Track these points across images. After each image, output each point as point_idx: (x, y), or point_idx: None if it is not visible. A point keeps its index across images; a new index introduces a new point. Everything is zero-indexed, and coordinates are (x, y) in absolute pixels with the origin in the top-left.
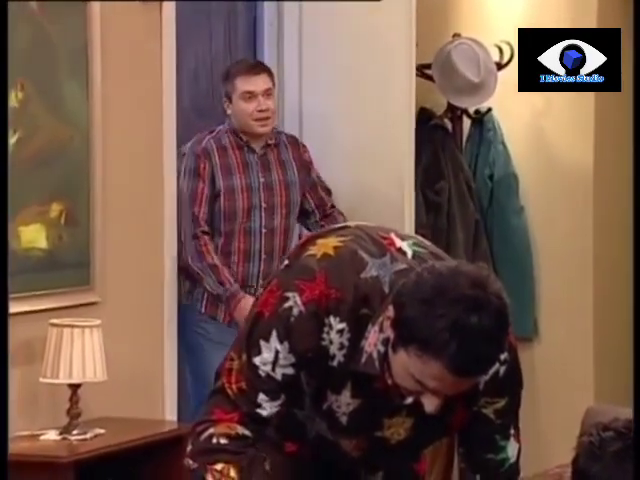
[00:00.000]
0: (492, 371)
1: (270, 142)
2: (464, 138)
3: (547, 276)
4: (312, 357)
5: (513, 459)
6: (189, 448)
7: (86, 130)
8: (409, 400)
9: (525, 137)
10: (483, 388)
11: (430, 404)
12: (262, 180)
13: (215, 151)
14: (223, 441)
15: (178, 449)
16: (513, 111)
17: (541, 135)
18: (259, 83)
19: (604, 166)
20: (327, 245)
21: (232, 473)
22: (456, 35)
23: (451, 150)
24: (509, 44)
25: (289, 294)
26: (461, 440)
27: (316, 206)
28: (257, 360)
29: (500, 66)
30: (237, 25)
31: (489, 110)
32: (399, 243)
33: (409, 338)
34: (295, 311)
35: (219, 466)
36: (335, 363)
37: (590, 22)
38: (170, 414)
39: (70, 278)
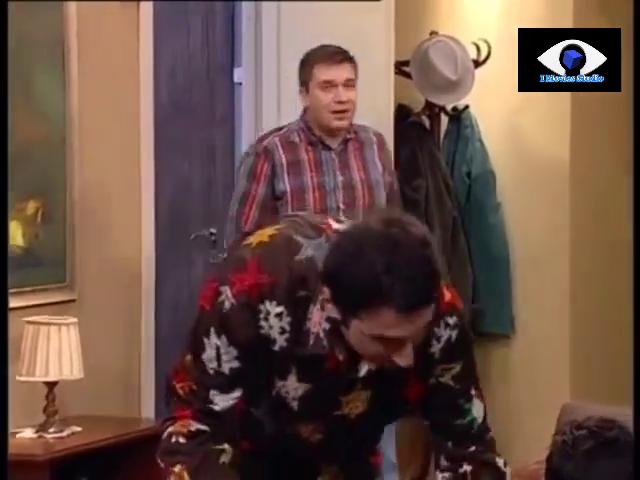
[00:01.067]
0: (444, 337)
1: (349, 137)
2: (442, 135)
3: (524, 273)
4: (253, 347)
5: (480, 419)
6: (159, 446)
7: (63, 127)
8: (363, 372)
9: (502, 134)
10: (439, 356)
11: (401, 358)
12: (341, 179)
13: (280, 148)
14: (181, 440)
15: (155, 447)
16: (490, 108)
17: (518, 132)
18: (340, 72)
19: (580, 162)
20: (263, 234)
21: (186, 476)
22: (433, 33)
23: (429, 147)
24: (486, 42)
25: (222, 288)
26: (425, 413)
27: None
28: (203, 357)
29: (477, 64)
30: (215, 23)
31: (466, 107)
32: (336, 226)
33: (355, 305)
34: (227, 305)
35: (177, 468)
36: (277, 347)
37: (567, 20)
38: (147, 412)
39: (46, 276)
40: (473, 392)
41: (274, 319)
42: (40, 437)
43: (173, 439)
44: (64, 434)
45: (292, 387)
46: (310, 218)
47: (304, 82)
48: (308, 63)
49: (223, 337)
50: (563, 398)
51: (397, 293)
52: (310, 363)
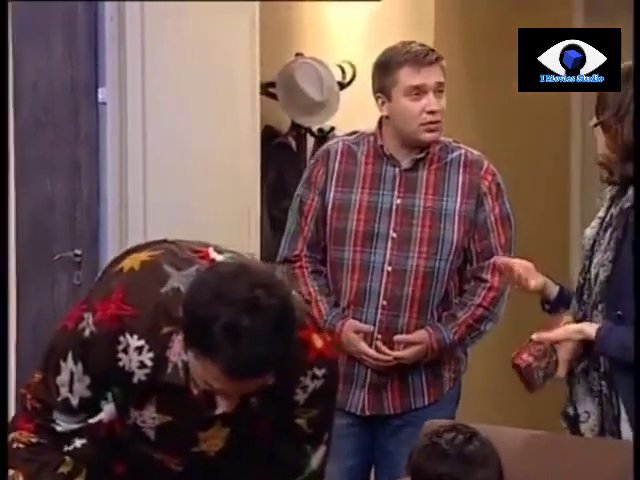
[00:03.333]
0: (310, 388)
1: (419, 156)
2: (308, 156)
3: None
4: (108, 378)
5: (315, 467)
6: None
7: None
8: (219, 410)
9: None
10: (302, 403)
11: (222, 403)
12: (399, 202)
13: (338, 154)
14: (21, 446)
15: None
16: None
17: None
18: (431, 76)
19: None
20: (136, 259)
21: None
22: (299, 55)
23: (296, 168)
24: (351, 64)
25: (85, 314)
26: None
27: (476, 255)
28: (57, 380)
29: (342, 85)
30: (76, 27)
31: (332, 129)
32: (214, 255)
33: (190, 341)
34: (87, 332)
35: (11, 472)
36: (135, 380)
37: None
38: None
39: None
40: (324, 438)
41: (133, 353)
42: None
43: (14, 445)
44: None
45: (149, 417)
46: (186, 244)
47: (384, 87)
48: (391, 65)
49: (79, 364)
50: None
51: (223, 356)
52: (169, 394)
